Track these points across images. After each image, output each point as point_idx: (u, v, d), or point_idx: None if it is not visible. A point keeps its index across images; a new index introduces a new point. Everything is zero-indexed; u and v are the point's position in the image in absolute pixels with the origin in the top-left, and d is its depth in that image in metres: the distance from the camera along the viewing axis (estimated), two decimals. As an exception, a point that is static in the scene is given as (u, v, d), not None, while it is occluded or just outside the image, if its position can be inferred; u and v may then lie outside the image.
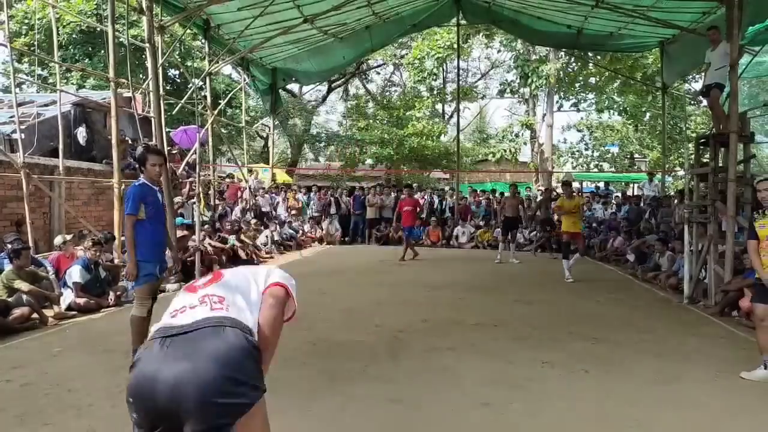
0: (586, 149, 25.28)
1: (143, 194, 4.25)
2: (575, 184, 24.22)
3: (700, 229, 7.26)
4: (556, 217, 11.68)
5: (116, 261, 7.65)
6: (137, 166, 4.47)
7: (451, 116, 26.84)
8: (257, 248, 11.44)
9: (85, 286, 6.35)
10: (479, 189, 18.91)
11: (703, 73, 8.48)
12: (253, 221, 12.40)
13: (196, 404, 1.54)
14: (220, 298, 1.82)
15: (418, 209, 12.00)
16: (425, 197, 16.29)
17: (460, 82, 20.74)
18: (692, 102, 22.41)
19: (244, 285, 1.91)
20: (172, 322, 1.74)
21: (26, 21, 16.88)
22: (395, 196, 14.74)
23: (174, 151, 11.92)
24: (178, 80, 20.46)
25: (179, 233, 8.46)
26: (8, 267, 6.10)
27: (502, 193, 16.25)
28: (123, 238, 7.65)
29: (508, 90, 25.04)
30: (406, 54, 25.03)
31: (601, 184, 20.49)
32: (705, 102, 12.26)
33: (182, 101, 12.56)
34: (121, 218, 8.02)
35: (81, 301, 6.26)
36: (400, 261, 10.93)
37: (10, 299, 5.70)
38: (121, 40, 11.16)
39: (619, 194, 16.90)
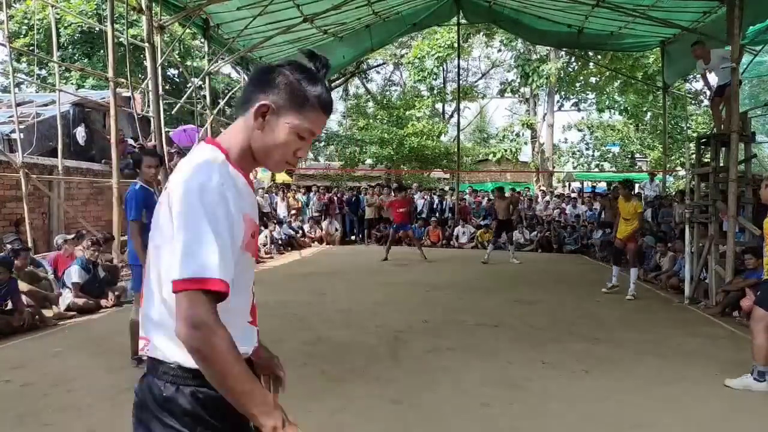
0: (587, 149, 25.29)
1: (144, 198, 4.22)
2: (575, 184, 24.29)
3: (701, 229, 7.25)
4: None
5: (115, 261, 7.64)
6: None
7: (452, 116, 26.83)
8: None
9: (83, 286, 6.33)
10: (475, 189, 18.86)
11: (700, 75, 8.53)
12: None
13: None
14: None
15: (409, 208, 12.24)
16: (425, 197, 16.27)
17: (461, 82, 20.73)
18: (693, 102, 22.39)
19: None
20: None
21: (26, 21, 16.88)
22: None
23: (173, 151, 11.88)
24: (178, 80, 20.46)
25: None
26: (8, 267, 6.09)
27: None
28: (123, 239, 7.67)
29: (508, 89, 25.05)
30: (406, 53, 25.00)
31: (602, 184, 20.46)
32: (706, 102, 12.23)
33: (182, 101, 12.53)
34: (120, 218, 8.02)
35: (80, 301, 6.23)
36: (401, 262, 10.90)
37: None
38: (120, 39, 11.15)
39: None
